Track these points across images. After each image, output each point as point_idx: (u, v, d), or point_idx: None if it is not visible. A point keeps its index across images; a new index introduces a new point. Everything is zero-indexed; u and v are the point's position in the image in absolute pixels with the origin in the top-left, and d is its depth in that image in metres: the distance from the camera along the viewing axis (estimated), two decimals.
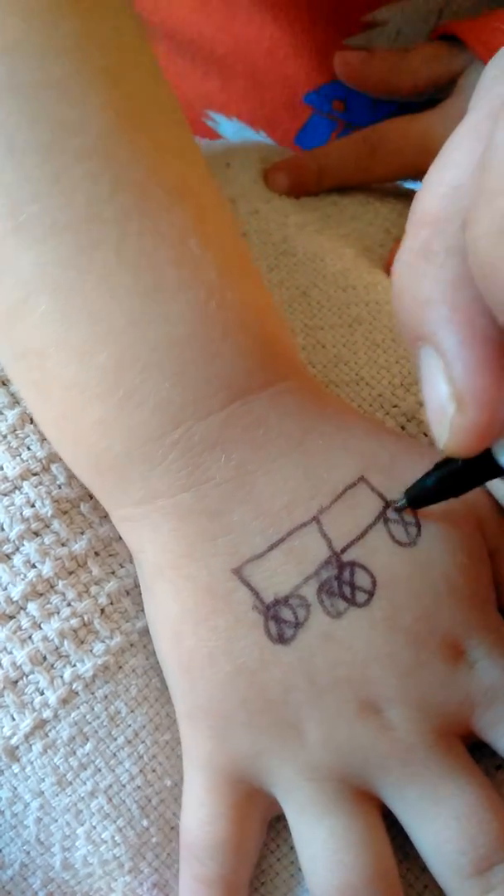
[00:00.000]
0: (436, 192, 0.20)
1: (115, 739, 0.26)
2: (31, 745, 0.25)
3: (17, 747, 0.25)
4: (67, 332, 0.25)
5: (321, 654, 0.24)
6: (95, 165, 0.25)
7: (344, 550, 0.25)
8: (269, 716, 0.24)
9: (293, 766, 0.25)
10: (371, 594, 0.24)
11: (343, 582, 0.25)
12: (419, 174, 0.29)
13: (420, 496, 0.25)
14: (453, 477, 0.24)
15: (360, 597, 0.24)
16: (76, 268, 0.25)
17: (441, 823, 0.24)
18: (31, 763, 0.25)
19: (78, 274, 0.25)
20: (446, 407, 0.19)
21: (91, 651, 0.26)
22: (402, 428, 0.30)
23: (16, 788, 0.25)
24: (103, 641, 0.26)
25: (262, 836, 0.26)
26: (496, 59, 0.20)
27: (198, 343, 0.25)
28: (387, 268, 0.36)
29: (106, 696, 0.26)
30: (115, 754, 0.26)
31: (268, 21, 0.45)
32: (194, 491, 0.25)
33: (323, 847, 0.24)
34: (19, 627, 0.26)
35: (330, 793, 0.24)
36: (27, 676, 0.26)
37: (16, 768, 0.25)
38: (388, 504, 0.25)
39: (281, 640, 0.24)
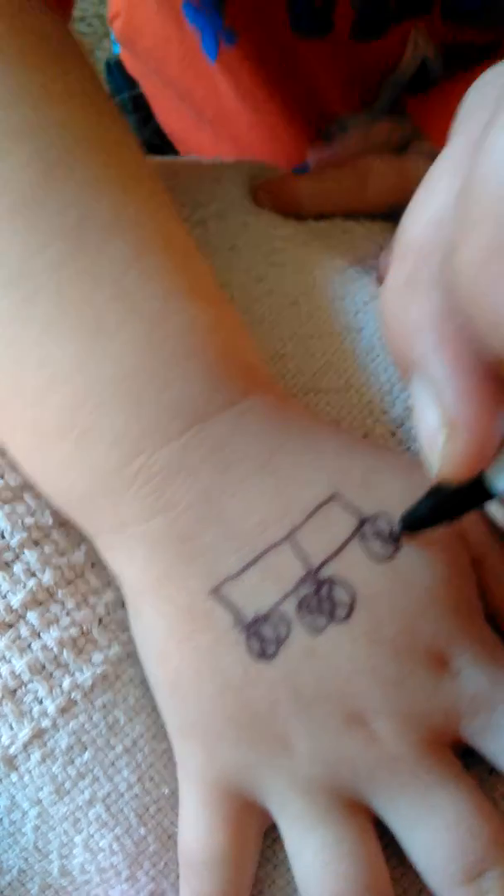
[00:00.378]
0: (420, 221, 0.20)
1: (114, 748, 0.26)
2: (29, 755, 0.25)
3: (16, 756, 0.25)
4: (19, 381, 0.26)
5: (304, 669, 0.24)
6: (24, 221, 0.26)
7: (320, 567, 0.25)
8: (258, 730, 0.25)
9: (283, 778, 0.25)
10: (351, 609, 0.25)
11: (322, 598, 0.25)
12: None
13: (415, 522, 0.25)
14: (446, 503, 0.24)
15: (340, 612, 0.25)
16: (19, 320, 0.26)
17: (431, 832, 0.24)
18: (30, 772, 0.25)
19: (22, 325, 0.26)
20: (438, 434, 0.19)
21: (90, 660, 0.26)
22: (393, 434, 0.30)
23: (14, 797, 0.25)
24: (101, 651, 0.27)
25: (258, 847, 0.26)
26: (476, 86, 0.20)
27: (146, 374, 0.26)
28: (380, 279, 0.36)
29: (104, 706, 0.26)
30: (113, 763, 0.26)
31: (247, 107, 0.45)
32: (162, 517, 0.26)
33: (314, 857, 0.25)
34: (19, 636, 0.26)
35: (321, 804, 0.25)
36: (26, 685, 0.26)
37: (14, 777, 0.25)
38: (363, 520, 0.26)
39: (263, 656, 0.25)
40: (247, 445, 0.26)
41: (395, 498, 0.26)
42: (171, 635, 0.25)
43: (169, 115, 0.59)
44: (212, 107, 0.48)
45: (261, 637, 0.25)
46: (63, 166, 0.27)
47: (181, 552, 0.25)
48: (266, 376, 0.29)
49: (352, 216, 0.39)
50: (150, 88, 0.60)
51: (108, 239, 0.27)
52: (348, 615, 0.25)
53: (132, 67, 0.60)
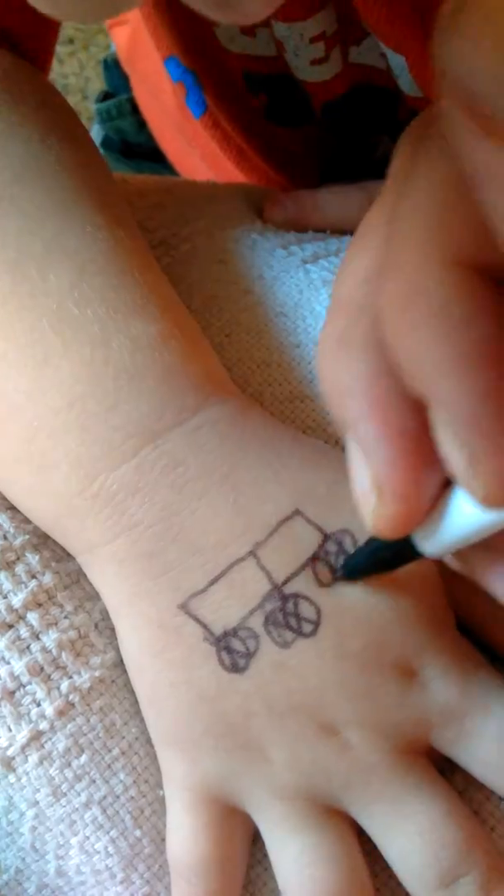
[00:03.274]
0: (350, 279, 0.20)
1: (111, 751, 0.26)
2: (27, 756, 0.26)
3: (14, 758, 0.26)
4: None
5: (275, 681, 0.25)
6: None
7: (285, 583, 0.25)
8: (234, 740, 0.25)
9: (262, 786, 0.25)
10: (317, 624, 0.25)
11: (287, 613, 0.25)
12: None
13: (353, 571, 0.25)
14: (381, 556, 0.24)
15: (306, 627, 0.25)
16: None
17: (406, 838, 0.25)
18: (27, 774, 0.26)
19: None
20: (368, 495, 0.20)
21: (88, 663, 0.27)
22: None
23: (11, 797, 0.26)
24: (99, 655, 0.27)
25: (246, 851, 0.27)
26: (406, 133, 0.21)
27: (93, 399, 0.26)
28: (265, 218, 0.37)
29: (102, 709, 0.26)
30: (109, 766, 0.26)
31: (233, 156, 0.46)
32: (126, 537, 0.26)
33: (295, 863, 0.25)
34: (18, 637, 0.26)
35: (300, 810, 0.25)
36: (25, 687, 0.26)
37: (11, 778, 0.26)
38: (326, 536, 0.26)
39: (235, 669, 0.25)
40: (203, 461, 0.26)
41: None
42: (145, 650, 0.26)
43: (163, 134, 0.59)
44: (201, 146, 0.49)
45: (231, 650, 0.25)
46: (2, 201, 0.28)
47: (147, 570, 0.26)
48: (226, 385, 0.29)
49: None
50: (146, 105, 0.60)
51: (47, 267, 0.27)
52: (314, 630, 0.25)
53: (130, 78, 0.60)
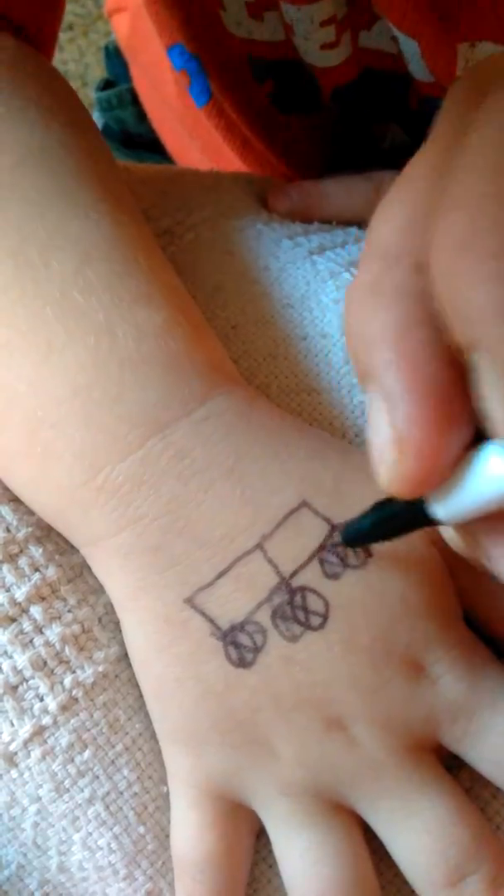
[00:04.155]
0: (390, 225, 0.19)
1: (114, 747, 0.26)
2: (29, 752, 0.25)
3: (16, 753, 0.25)
4: None
5: (283, 676, 0.25)
6: None
7: (293, 576, 0.25)
8: (241, 735, 0.25)
9: (269, 782, 0.25)
10: (325, 617, 0.25)
11: (296, 607, 0.25)
12: None
13: (355, 536, 0.24)
14: (388, 521, 0.23)
15: (315, 620, 0.25)
16: None
17: (413, 836, 0.24)
18: (30, 769, 0.25)
19: None
20: (388, 451, 0.19)
21: (91, 658, 0.26)
22: None
23: (14, 793, 0.25)
24: (102, 649, 0.27)
25: (250, 848, 0.26)
26: (452, 88, 0.20)
27: (98, 388, 0.26)
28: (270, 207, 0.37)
29: (105, 704, 0.26)
30: (113, 761, 0.26)
31: (236, 148, 0.46)
32: (131, 530, 0.26)
33: (300, 859, 0.25)
34: (21, 631, 0.26)
35: (306, 806, 0.25)
36: (27, 682, 0.26)
37: (14, 773, 0.25)
38: (333, 528, 0.25)
39: (242, 664, 0.25)
40: (210, 453, 0.26)
41: (367, 504, 0.25)
42: (151, 644, 0.26)
43: (163, 126, 0.59)
44: (203, 137, 0.48)
45: (238, 645, 0.25)
46: (4, 188, 0.28)
47: (153, 563, 0.25)
48: (231, 374, 0.29)
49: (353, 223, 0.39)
50: (146, 95, 0.59)
51: (50, 255, 0.27)
52: (323, 623, 0.25)
53: (130, 67, 0.60)
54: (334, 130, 0.45)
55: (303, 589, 0.25)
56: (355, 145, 0.45)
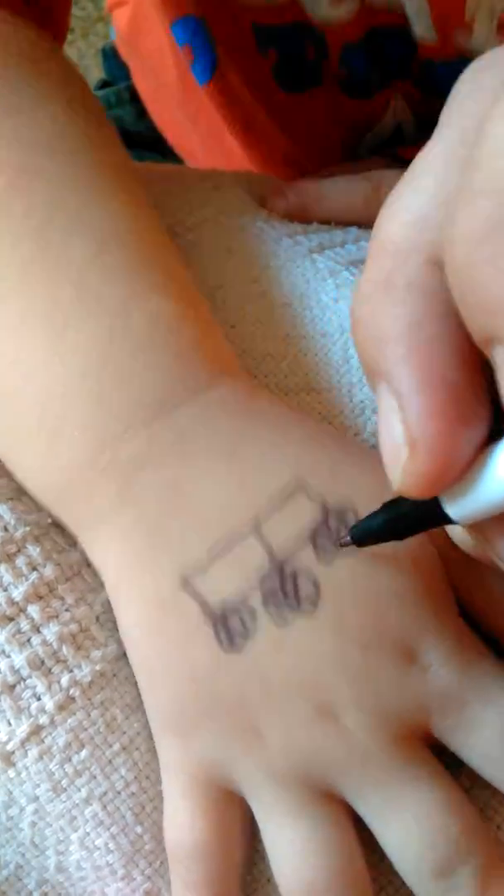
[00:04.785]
0: (401, 219, 0.19)
1: (111, 746, 0.26)
2: (26, 751, 0.25)
3: (13, 752, 0.25)
4: None
5: (272, 661, 0.25)
6: None
7: (286, 559, 0.25)
8: (230, 721, 0.25)
9: (258, 769, 0.25)
10: (316, 602, 0.25)
11: (287, 590, 0.25)
12: None
13: (365, 535, 0.24)
14: (400, 520, 0.23)
15: (306, 605, 0.25)
16: None
17: (402, 827, 0.24)
18: (27, 769, 0.25)
19: None
20: (400, 449, 0.18)
21: (88, 657, 0.26)
22: None
23: (11, 792, 0.25)
24: (100, 648, 0.27)
25: (245, 838, 0.26)
26: (466, 74, 0.20)
27: (110, 367, 0.26)
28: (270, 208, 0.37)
29: (102, 703, 0.26)
30: (110, 761, 0.26)
31: (238, 131, 0.46)
32: (132, 509, 0.26)
33: (289, 848, 0.25)
34: (19, 630, 0.26)
35: (295, 794, 0.25)
36: (25, 681, 0.26)
37: (11, 773, 0.25)
38: (328, 512, 0.25)
39: (232, 648, 0.25)
40: (212, 436, 0.26)
41: (363, 493, 0.25)
42: (143, 627, 0.26)
43: (163, 115, 0.59)
44: (204, 121, 0.48)
45: (228, 629, 0.25)
46: (29, 172, 0.29)
47: (150, 544, 0.26)
48: (235, 368, 0.29)
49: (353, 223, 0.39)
50: (145, 87, 0.59)
51: (71, 239, 0.28)
52: (314, 608, 0.25)
53: (129, 63, 0.60)
54: (336, 103, 0.45)
55: (295, 574, 0.25)
56: (358, 120, 0.45)
